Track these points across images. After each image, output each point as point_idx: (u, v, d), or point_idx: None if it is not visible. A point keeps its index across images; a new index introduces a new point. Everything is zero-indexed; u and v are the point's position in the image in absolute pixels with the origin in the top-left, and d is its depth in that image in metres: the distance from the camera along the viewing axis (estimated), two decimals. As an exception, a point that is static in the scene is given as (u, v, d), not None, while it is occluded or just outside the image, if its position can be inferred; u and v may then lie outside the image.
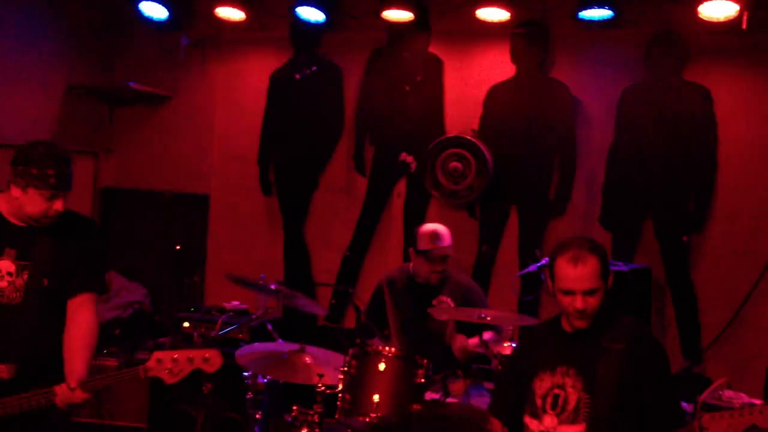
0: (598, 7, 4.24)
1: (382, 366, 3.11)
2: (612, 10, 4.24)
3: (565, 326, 2.59)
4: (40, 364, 2.65)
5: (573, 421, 2.46)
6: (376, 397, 3.05)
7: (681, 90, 4.39)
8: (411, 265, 3.97)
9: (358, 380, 3.11)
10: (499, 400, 2.76)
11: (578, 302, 2.46)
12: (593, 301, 2.48)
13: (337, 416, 3.12)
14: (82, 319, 2.73)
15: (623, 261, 4.17)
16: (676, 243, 4.39)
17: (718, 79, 4.33)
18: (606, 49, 4.62)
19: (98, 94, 5.44)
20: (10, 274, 2.65)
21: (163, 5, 4.89)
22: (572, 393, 2.48)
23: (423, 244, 3.82)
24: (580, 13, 4.31)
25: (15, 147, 4.72)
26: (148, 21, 5.00)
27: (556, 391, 2.51)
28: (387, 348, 3.18)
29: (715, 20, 4.06)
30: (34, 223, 2.68)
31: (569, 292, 2.48)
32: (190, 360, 2.54)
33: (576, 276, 2.46)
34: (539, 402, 2.52)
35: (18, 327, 2.63)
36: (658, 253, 4.43)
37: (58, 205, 2.63)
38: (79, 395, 2.54)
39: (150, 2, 4.88)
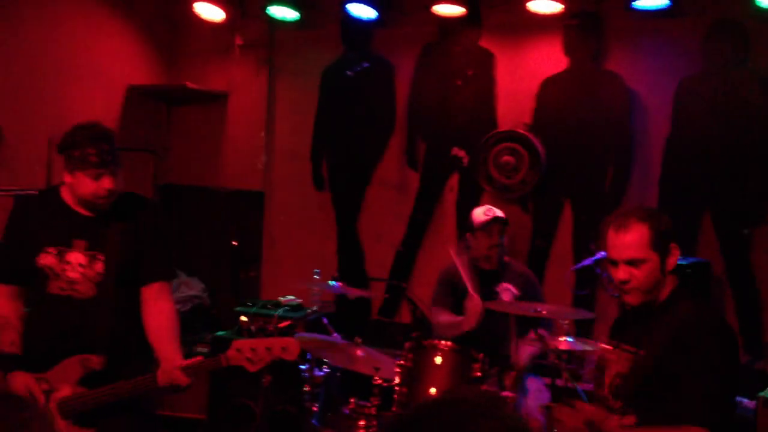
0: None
1: (438, 359, 3.14)
2: None
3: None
4: (125, 353, 2.69)
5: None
6: (432, 390, 3.08)
7: (741, 80, 4.29)
8: (466, 256, 3.99)
9: (415, 373, 3.14)
10: None
11: (620, 273, 2.34)
12: (639, 274, 2.33)
13: (394, 409, 3.16)
14: (163, 308, 2.75)
15: (681, 255, 4.09)
16: (735, 236, 4.30)
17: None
18: (662, 40, 4.54)
19: (157, 94, 5.58)
20: (81, 266, 2.67)
21: (218, 6, 5.00)
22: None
23: (478, 219, 3.93)
24: (634, 3, 4.26)
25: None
26: (205, 22, 5.13)
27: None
28: (443, 341, 3.20)
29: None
30: (94, 207, 2.69)
31: (612, 263, 2.37)
32: (269, 349, 2.57)
33: (616, 243, 2.35)
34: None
35: (97, 319, 2.65)
36: (717, 247, 4.34)
37: (107, 183, 2.63)
38: (182, 377, 2.58)
39: (205, 3, 5.00)
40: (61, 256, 2.68)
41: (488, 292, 3.82)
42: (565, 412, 2.38)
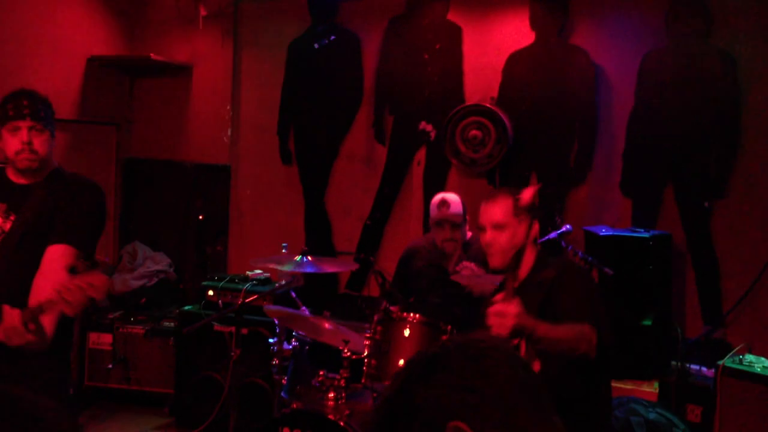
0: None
1: (407, 332, 3.17)
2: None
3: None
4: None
5: None
6: (401, 362, 3.11)
7: (703, 54, 4.35)
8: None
9: (384, 346, 3.17)
10: None
11: (486, 236, 2.69)
12: (501, 238, 2.67)
13: (363, 381, 3.19)
14: (53, 271, 2.52)
15: (644, 227, 4.18)
16: (697, 209, 4.39)
17: (742, 43, 4.28)
18: (626, 14, 4.58)
19: (119, 65, 5.47)
20: None
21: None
22: None
23: (432, 212, 3.93)
24: (601, -22, 4.28)
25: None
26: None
27: None
28: (412, 314, 3.23)
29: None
30: (24, 170, 2.63)
31: (480, 228, 2.73)
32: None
33: (485, 211, 2.73)
34: None
35: None
36: (679, 219, 4.43)
37: (24, 136, 2.57)
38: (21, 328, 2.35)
39: (168, -27, 4.90)
40: None
41: (448, 274, 3.87)
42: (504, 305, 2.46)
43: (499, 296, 2.43)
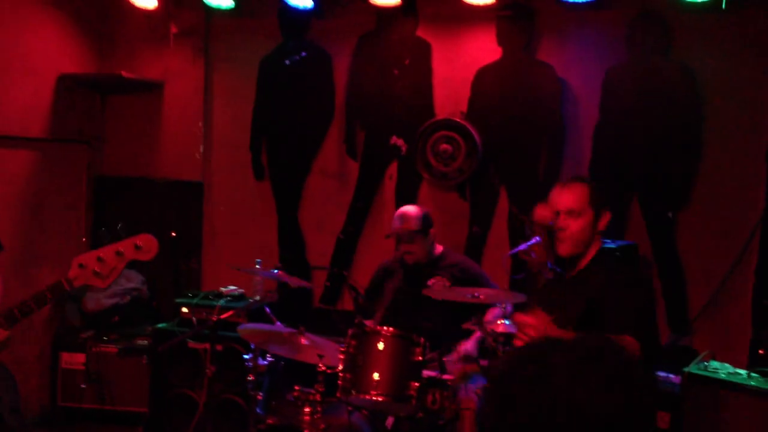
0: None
1: (380, 345, 3.20)
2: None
3: None
4: None
5: None
6: (375, 375, 3.15)
7: (664, 68, 4.49)
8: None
9: (358, 359, 3.20)
10: None
11: (560, 221, 2.68)
12: (575, 225, 2.66)
13: (338, 395, 3.22)
14: None
15: (611, 238, 4.27)
16: (661, 219, 4.51)
17: (700, 58, 4.42)
18: (590, 31, 4.69)
19: (90, 83, 5.46)
20: None
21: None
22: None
23: (391, 226, 4.03)
24: (564, -5, 4.39)
25: (6, 138, 4.78)
26: (138, 9, 5.05)
27: None
28: (385, 328, 3.27)
29: (695, 0, 4.16)
30: None
31: (555, 213, 2.72)
32: (120, 254, 2.22)
33: (560, 196, 2.72)
34: None
35: None
36: (644, 229, 4.54)
37: None
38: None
39: (139, -9, 4.92)
40: None
41: (421, 285, 3.92)
42: (528, 317, 2.49)
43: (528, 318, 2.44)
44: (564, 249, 2.68)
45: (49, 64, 5.10)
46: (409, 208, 4.04)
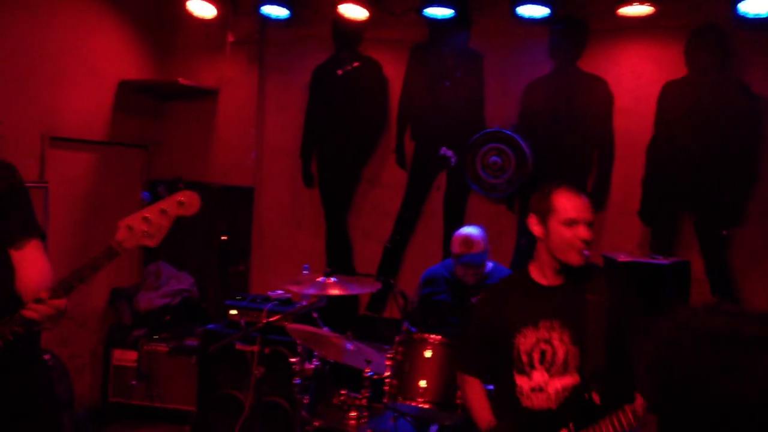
0: (638, 3, 4.30)
1: (428, 353, 3.22)
2: (652, 6, 4.29)
3: (539, 279, 2.58)
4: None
5: (563, 372, 2.48)
6: (422, 383, 3.17)
7: (722, 85, 4.43)
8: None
9: (405, 366, 3.23)
10: (473, 358, 2.71)
11: (584, 231, 2.44)
12: (592, 234, 2.47)
13: (384, 400, 3.24)
14: (38, 268, 2.32)
15: (663, 255, 4.22)
16: (715, 237, 4.44)
17: (759, 74, 4.35)
18: (645, 45, 4.67)
19: (148, 89, 5.61)
20: None
21: (210, 3, 5.06)
22: (560, 346, 2.49)
23: (455, 248, 3.92)
24: (619, 9, 4.38)
25: (71, 141, 4.96)
26: (196, 19, 5.19)
27: (543, 345, 2.50)
28: (433, 336, 3.29)
29: (755, 16, 4.10)
30: None
31: (573, 222, 2.46)
32: (164, 212, 2.21)
33: (582, 204, 2.47)
34: (525, 358, 2.51)
35: None
36: (697, 247, 4.48)
37: None
38: (56, 303, 2.16)
39: (197, 0, 5.05)
40: None
41: (466, 299, 3.91)
42: None
43: None
44: (582, 260, 2.50)
45: (111, 69, 5.27)
46: (473, 231, 3.95)
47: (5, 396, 2.28)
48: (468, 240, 3.89)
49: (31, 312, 2.15)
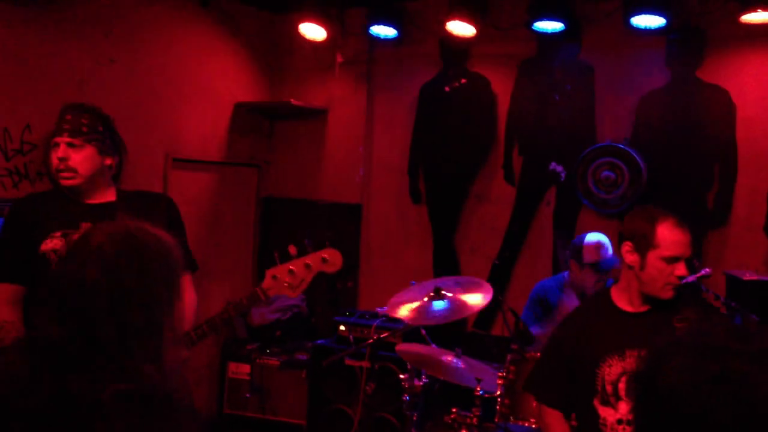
0: (763, 10, 4.09)
1: (540, 373, 3.16)
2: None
3: (624, 306, 2.45)
4: None
5: None
6: (535, 403, 3.10)
7: None
8: (570, 276, 3.99)
9: (517, 385, 3.18)
10: (552, 388, 2.57)
11: (683, 269, 2.32)
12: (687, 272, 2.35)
13: (496, 419, 3.20)
14: (190, 301, 2.45)
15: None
16: None
17: None
18: (769, 52, 4.42)
19: (261, 110, 5.83)
20: None
21: (320, 26, 5.20)
22: None
23: (590, 257, 3.87)
24: (743, 16, 4.17)
25: (190, 162, 5.20)
26: (307, 41, 5.35)
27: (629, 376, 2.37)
28: (545, 355, 3.21)
29: None
30: (67, 189, 2.46)
31: (675, 259, 2.33)
32: (308, 266, 2.34)
33: (686, 241, 2.34)
34: (610, 388, 2.39)
35: None
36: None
37: (61, 152, 2.40)
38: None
39: (309, 23, 5.21)
40: (67, 237, 2.51)
41: None
42: None
43: None
44: (672, 295, 2.37)
45: (227, 92, 5.51)
46: (601, 237, 3.97)
47: None
48: (601, 245, 3.90)
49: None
